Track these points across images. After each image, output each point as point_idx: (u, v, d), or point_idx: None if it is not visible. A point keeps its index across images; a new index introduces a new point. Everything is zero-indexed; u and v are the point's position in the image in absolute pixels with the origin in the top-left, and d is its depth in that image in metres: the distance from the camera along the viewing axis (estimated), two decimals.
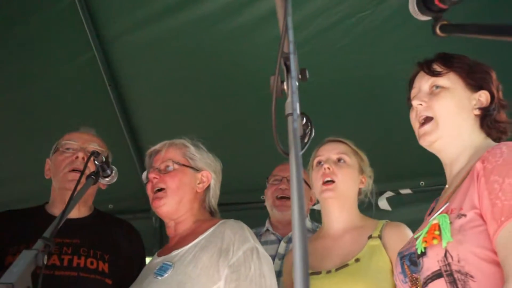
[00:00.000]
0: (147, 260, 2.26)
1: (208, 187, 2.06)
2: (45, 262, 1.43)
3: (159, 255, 2.00)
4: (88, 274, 2.04)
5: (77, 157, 2.14)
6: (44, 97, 3.13)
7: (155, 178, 1.99)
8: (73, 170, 2.13)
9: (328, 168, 2.11)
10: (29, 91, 3.11)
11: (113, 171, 1.89)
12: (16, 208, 2.29)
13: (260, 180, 2.95)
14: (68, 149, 2.20)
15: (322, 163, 2.14)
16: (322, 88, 2.80)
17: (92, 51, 2.97)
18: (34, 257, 1.41)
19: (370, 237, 2.03)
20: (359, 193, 2.20)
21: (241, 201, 3.33)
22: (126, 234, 2.28)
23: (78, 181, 1.71)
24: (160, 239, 3.43)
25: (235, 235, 1.86)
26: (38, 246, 1.45)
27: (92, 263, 2.06)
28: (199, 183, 2.03)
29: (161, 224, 3.47)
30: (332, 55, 2.87)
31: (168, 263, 1.87)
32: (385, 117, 2.99)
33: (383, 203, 3.19)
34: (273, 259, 2.49)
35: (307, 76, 1.19)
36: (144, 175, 2.10)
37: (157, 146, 2.08)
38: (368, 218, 2.16)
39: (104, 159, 1.82)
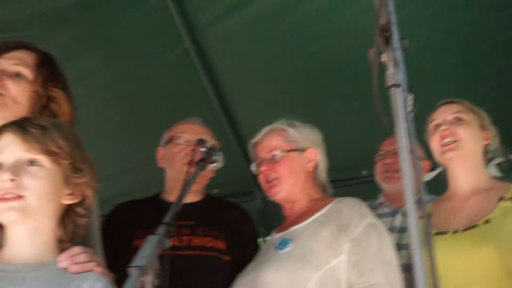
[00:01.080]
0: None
1: (317, 163, 2.11)
2: (169, 245, 1.53)
3: (277, 232, 2.08)
4: (207, 252, 2.18)
5: (192, 149, 2.26)
6: (141, 93, 3.28)
7: (266, 170, 2.07)
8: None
9: (447, 129, 2.07)
10: (126, 88, 3.27)
11: (219, 157, 1.98)
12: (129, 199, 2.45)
13: (358, 155, 2.95)
14: (182, 140, 2.32)
15: (439, 125, 2.10)
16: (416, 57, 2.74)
17: (183, 43, 3.07)
18: (158, 241, 1.52)
19: (501, 199, 1.97)
20: (485, 152, 2.13)
21: (342, 178, 3.33)
22: (238, 215, 2.39)
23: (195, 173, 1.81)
24: (265, 219, 3.51)
25: (354, 211, 1.90)
26: (161, 231, 1.55)
27: (209, 242, 2.19)
28: (307, 163, 2.09)
29: (265, 205, 3.56)
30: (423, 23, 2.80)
31: (288, 237, 1.95)
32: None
33: None
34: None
35: (406, 45, 1.19)
36: (253, 166, 2.19)
37: (258, 137, 2.15)
38: (497, 180, 2.10)
39: (210, 146, 1.93)
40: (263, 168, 2.07)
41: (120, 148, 3.44)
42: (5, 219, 1.37)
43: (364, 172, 3.35)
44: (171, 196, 2.33)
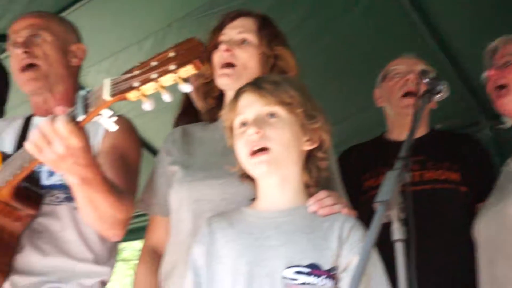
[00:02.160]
0: None
1: None
2: (408, 179, 1.54)
3: None
4: (441, 185, 2.15)
5: (407, 80, 2.24)
6: (350, 38, 3.25)
7: (493, 74, 1.98)
8: (406, 94, 2.23)
9: None
10: (333, 36, 3.27)
11: (444, 86, 1.91)
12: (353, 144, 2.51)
13: None
14: (396, 74, 2.30)
15: None
16: None
17: None
18: (398, 175, 1.54)
19: None
20: None
21: None
22: (470, 144, 2.32)
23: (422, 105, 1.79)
24: (496, 148, 3.32)
25: None
26: (399, 166, 1.56)
27: (441, 175, 2.16)
28: None
29: (495, 133, 3.36)
30: None
31: None
32: None
33: None
34: None
35: None
36: (484, 75, 2.08)
37: (494, 44, 2.04)
38: None
39: (434, 76, 1.87)
40: (491, 72, 1.97)
41: (339, 95, 3.48)
42: (256, 172, 1.51)
43: None
44: (393, 134, 2.33)
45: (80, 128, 1.36)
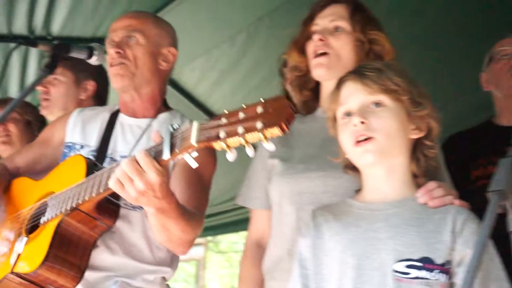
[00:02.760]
0: None
1: None
2: None
3: None
4: None
5: None
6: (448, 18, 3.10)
7: None
8: None
9: None
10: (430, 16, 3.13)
11: None
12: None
13: None
14: (504, 55, 2.19)
15: None
16: None
17: None
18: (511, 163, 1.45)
19: None
20: None
21: None
22: None
23: None
24: None
25: None
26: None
27: None
28: None
29: None
30: None
31: None
32: None
33: None
34: None
35: None
36: None
37: None
38: None
39: None
40: None
41: (437, 79, 3.35)
42: (362, 162, 1.47)
43: None
44: (503, 119, 2.23)
45: (163, 166, 1.40)
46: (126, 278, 1.79)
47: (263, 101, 1.21)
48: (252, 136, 1.21)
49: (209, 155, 1.85)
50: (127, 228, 1.81)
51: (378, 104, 1.45)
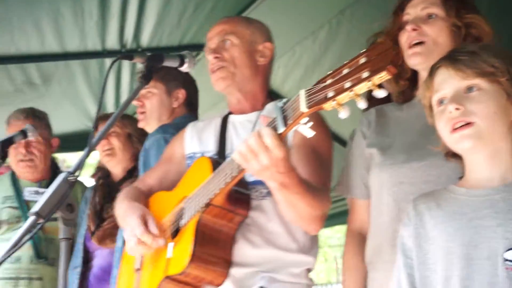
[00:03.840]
0: None
1: None
2: None
3: None
4: None
5: None
6: None
7: None
8: None
9: None
10: None
11: None
12: None
13: None
14: None
15: None
16: None
17: None
18: None
19: None
20: None
21: None
22: None
23: None
24: None
25: None
26: None
27: None
28: None
29: None
30: None
31: None
32: None
33: None
34: None
35: None
36: None
37: None
38: None
39: None
40: None
41: None
42: (460, 147, 1.43)
43: None
44: None
45: (282, 140, 1.44)
46: (272, 273, 1.81)
47: (364, 51, 1.22)
48: (361, 87, 1.21)
49: (323, 132, 1.87)
50: (263, 218, 1.83)
51: (473, 88, 1.41)
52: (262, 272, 1.80)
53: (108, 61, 3.69)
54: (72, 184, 1.48)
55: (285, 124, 1.40)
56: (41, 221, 1.44)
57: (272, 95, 2.07)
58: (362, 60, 1.21)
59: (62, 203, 1.46)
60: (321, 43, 3.52)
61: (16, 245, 1.41)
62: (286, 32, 3.36)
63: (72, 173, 1.49)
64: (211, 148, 1.99)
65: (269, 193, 1.75)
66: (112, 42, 3.48)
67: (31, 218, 1.43)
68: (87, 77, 3.85)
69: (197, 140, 2.06)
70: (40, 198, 2.85)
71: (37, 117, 3.04)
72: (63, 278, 1.44)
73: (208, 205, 1.71)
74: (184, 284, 1.76)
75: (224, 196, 1.71)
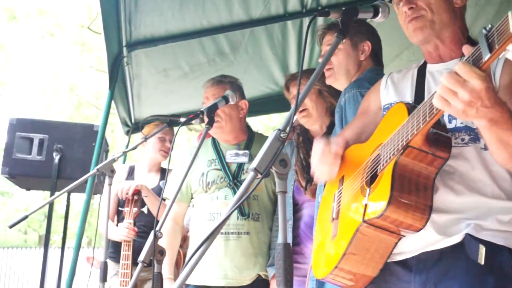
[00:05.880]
0: None
1: None
2: None
3: None
4: None
5: None
6: None
7: None
8: None
9: None
10: None
11: None
12: None
13: None
14: None
15: None
16: None
17: None
18: None
19: None
20: None
21: None
22: None
23: None
24: None
25: None
26: None
27: None
28: None
29: None
30: None
31: None
32: None
33: None
34: None
35: None
36: None
37: None
38: None
39: None
40: None
41: None
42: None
43: None
44: None
45: (483, 69, 1.34)
46: (477, 220, 1.73)
47: None
48: None
49: None
50: (466, 166, 1.77)
51: None
52: (467, 219, 1.73)
53: (290, 24, 3.78)
54: (283, 140, 1.55)
55: (491, 50, 1.29)
56: (259, 176, 1.53)
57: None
58: None
59: (276, 159, 1.54)
60: None
61: (240, 199, 1.52)
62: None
63: (282, 130, 1.57)
64: (408, 99, 1.96)
65: (472, 140, 1.67)
66: (293, 4, 3.55)
67: (250, 174, 1.53)
68: (271, 42, 3.99)
69: (393, 91, 2.04)
70: (239, 159, 3.08)
71: (231, 83, 3.21)
72: (283, 229, 1.52)
73: (406, 147, 1.66)
74: (382, 229, 1.73)
75: (422, 137, 1.65)
